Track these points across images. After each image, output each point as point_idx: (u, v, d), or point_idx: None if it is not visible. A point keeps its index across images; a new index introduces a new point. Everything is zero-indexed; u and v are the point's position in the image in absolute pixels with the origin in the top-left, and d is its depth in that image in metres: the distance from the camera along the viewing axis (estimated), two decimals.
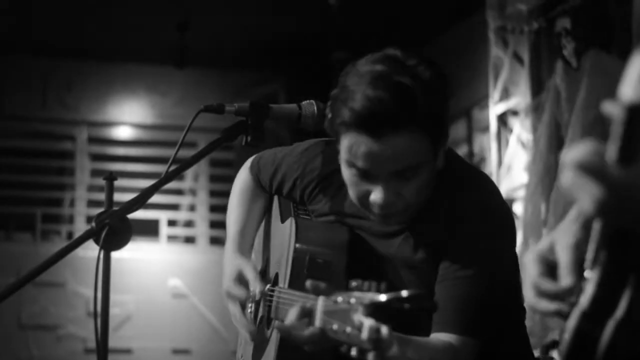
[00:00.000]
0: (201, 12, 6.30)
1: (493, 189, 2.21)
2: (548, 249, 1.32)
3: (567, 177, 1.09)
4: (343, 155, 2.06)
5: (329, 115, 2.06)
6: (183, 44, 6.53)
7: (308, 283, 1.76)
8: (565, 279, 1.25)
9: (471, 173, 2.26)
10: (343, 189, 2.18)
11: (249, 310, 2.46)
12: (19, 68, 7.13)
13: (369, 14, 6.26)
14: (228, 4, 6.21)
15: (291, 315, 1.81)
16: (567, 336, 1.15)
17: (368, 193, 2.06)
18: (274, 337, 2.16)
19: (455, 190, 2.14)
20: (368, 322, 1.51)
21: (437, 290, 2.09)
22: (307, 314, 1.78)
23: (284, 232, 2.30)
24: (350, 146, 2.01)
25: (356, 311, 1.54)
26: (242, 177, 2.57)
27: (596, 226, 1.16)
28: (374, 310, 1.52)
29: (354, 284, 1.59)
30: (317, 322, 1.72)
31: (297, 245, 2.15)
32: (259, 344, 2.31)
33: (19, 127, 7.23)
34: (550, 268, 1.31)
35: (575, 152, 1.09)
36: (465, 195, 2.13)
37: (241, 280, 2.31)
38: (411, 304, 1.50)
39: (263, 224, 2.56)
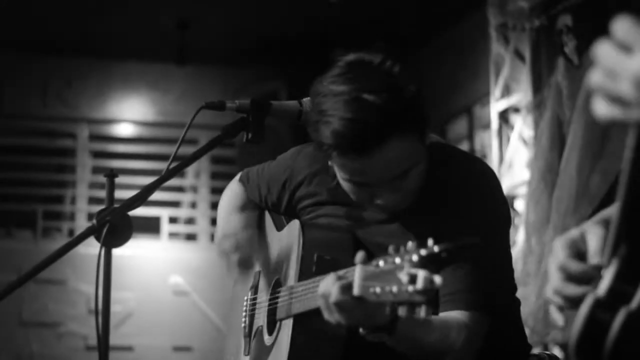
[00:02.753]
0: (201, 9, 6.29)
1: (485, 170, 2.22)
2: (579, 237, 1.31)
3: (598, 67, 1.04)
4: (338, 174, 2.09)
5: (315, 138, 2.05)
6: (183, 41, 6.53)
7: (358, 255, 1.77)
8: (595, 260, 1.25)
9: (462, 156, 2.27)
10: (335, 182, 2.18)
11: (242, 325, 2.44)
12: (20, 66, 7.12)
13: (369, 10, 6.25)
14: (228, 1, 6.20)
15: (326, 282, 1.81)
16: (578, 322, 1.14)
17: (371, 198, 2.08)
18: (284, 338, 2.12)
19: (447, 174, 2.14)
20: (422, 273, 1.53)
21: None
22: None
23: (284, 237, 2.29)
24: (343, 165, 2.04)
25: (402, 269, 1.57)
26: (232, 187, 2.58)
27: (615, 218, 1.15)
28: (424, 262, 1.56)
29: (391, 248, 1.62)
30: (356, 289, 1.70)
31: (304, 244, 2.14)
32: (258, 355, 2.28)
33: (19, 125, 7.23)
34: (579, 255, 1.29)
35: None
36: (461, 177, 2.14)
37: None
38: (458, 249, 1.56)
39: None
